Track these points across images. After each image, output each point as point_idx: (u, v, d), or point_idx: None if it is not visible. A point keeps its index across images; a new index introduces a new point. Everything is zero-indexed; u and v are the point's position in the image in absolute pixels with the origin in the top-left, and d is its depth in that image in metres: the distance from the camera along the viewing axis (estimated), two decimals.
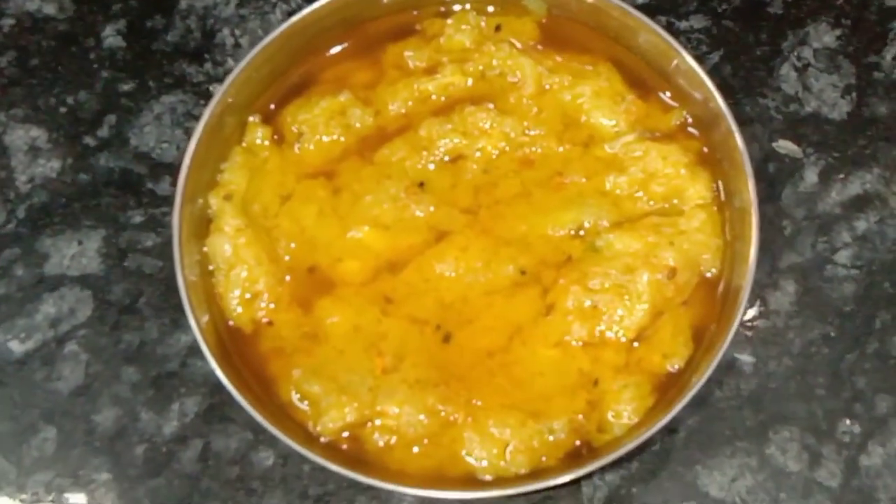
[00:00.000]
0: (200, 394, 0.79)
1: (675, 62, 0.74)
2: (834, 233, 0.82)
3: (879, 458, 0.76)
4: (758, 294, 0.80)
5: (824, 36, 0.87)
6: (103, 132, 0.86)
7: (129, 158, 0.85)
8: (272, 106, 0.76)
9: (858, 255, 0.81)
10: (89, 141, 0.86)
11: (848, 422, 0.77)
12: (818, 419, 0.77)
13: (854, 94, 0.85)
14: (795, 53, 0.86)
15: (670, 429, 0.77)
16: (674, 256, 0.70)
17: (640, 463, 0.77)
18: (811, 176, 0.83)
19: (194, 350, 0.80)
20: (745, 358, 0.79)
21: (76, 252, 0.83)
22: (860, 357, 0.78)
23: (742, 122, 0.82)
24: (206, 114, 0.72)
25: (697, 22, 0.87)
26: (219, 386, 0.77)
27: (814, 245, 0.81)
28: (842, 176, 0.83)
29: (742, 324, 0.79)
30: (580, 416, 0.69)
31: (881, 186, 0.82)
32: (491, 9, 0.78)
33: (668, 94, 0.76)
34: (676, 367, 0.70)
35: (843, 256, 0.81)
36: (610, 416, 0.69)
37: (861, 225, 0.82)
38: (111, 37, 0.89)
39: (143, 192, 0.84)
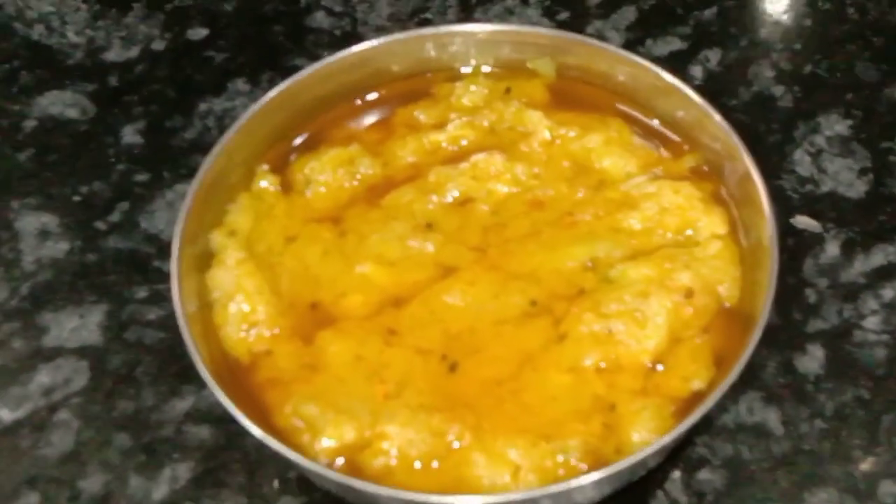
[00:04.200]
0: (194, 459, 0.74)
1: (683, 111, 0.74)
2: (860, 301, 0.79)
3: None
4: (786, 358, 0.76)
5: (836, 125, 0.87)
6: (114, 217, 0.86)
7: (139, 240, 0.85)
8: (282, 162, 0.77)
9: (888, 321, 0.77)
10: (100, 225, 0.86)
11: (890, 483, 0.71)
12: (857, 481, 0.71)
13: (871, 176, 0.85)
14: (808, 140, 0.87)
15: (697, 492, 0.71)
16: (690, 277, 0.68)
17: None
18: (832, 249, 0.81)
19: (191, 416, 0.76)
20: (775, 421, 0.74)
21: (77, 325, 0.81)
22: None
23: None
24: (212, 154, 0.72)
25: None
26: (214, 451, 0.74)
27: (840, 312, 0.78)
28: (864, 248, 0.81)
29: (769, 387, 0.75)
30: (595, 440, 0.64)
31: None
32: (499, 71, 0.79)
33: (679, 139, 0.75)
34: (697, 386, 0.65)
35: (871, 322, 0.78)
36: (628, 438, 0.64)
37: (888, 293, 0.79)
38: (130, 135, 0.91)
39: (150, 270, 0.83)
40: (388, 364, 0.67)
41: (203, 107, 0.92)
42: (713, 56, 0.93)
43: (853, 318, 0.78)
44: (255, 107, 0.74)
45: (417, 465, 0.64)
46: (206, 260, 0.72)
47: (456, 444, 0.64)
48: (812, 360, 0.76)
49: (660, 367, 0.67)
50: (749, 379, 0.75)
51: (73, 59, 0.96)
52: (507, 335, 0.68)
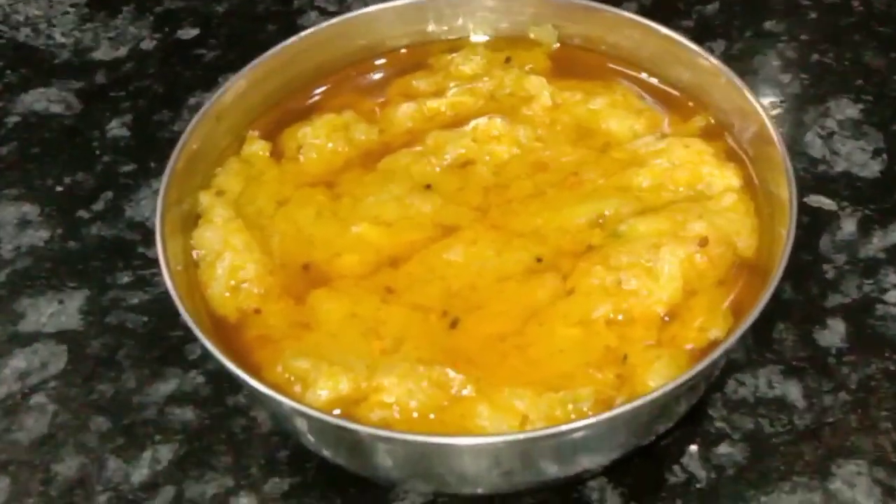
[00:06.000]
0: (177, 441, 0.70)
1: (691, 72, 0.71)
2: (881, 275, 0.75)
3: None
4: (805, 332, 0.72)
5: (846, 109, 0.85)
6: (98, 206, 0.82)
7: (123, 227, 0.81)
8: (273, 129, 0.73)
9: None
10: (83, 213, 0.82)
11: None
12: (887, 452, 0.67)
13: (885, 156, 0.82)
14: (818, 124, 0.84)
15: (716, 466, 0.67)
16: (704, 227, 0.64)
17: (683, 502, 0.66)
18: (849, 226, 0.78)
19: (174, 398, 0.71)
20: (797, 394, 0.69)
21: (56, 310, 0.76)
22: None
23: None
24: (200, 114, 0.69)
25: None
26: (199, 432, 0.70)
27: (860, 287, 0.74)
28: (882, 225, 0.77)
29: (789, 361, 0.71)
30: (608, 389, 0.59)
31: None
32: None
33: (686, 100, 0.72)
34: (715, 336, 0.61)
35: (893, 296, 0.74)
36: (644, 387, 0.59)
37: None
38: (116, 128, 0.87)
39: (134, 256, 0.79)
40: (385, 321, 0.63)
41: (192, 101, 0.89)
42: (717, 47, 0.91)
43: (874, 293, 0.74)
44: (246, 69, 0.72)
45: (416, 416, 0.59)
46: (192, 222, 0.68)
47: (461, 393, 0.59)
48: (833, 333, 0.72)
49: (675, 319, 0.62)
50: (768, 352, 0.71)
51: (59, 59, 0.94)
52: (510, 291, 0.64)
